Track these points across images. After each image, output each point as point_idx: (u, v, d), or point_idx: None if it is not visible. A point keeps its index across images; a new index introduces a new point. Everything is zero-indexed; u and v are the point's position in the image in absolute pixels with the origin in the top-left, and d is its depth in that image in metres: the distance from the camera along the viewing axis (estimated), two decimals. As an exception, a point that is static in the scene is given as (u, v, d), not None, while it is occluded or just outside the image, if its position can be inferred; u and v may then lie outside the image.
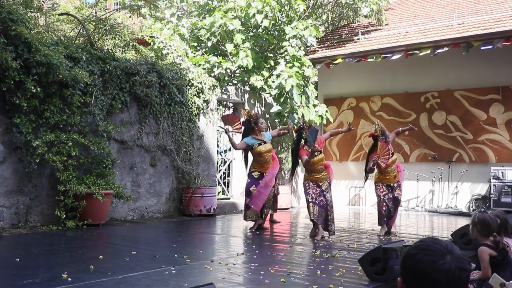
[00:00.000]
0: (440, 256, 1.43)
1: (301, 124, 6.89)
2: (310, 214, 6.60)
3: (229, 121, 7.64)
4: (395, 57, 10.72)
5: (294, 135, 7.23)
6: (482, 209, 4.22)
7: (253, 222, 7.48)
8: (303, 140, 6.70)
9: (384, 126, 7.30)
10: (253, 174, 7.35)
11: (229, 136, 7.38)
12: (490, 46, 9.65)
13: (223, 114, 7.69)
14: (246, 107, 11.04)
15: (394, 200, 7.17)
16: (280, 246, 6.14)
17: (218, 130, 10.40)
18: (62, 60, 6.89)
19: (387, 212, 7.15)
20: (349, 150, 12.58)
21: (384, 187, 7.19)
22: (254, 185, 7.24)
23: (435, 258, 1.43)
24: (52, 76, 6.88)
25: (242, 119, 7.60)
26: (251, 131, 7.38)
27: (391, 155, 7.09)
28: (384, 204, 7.14)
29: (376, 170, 7.20)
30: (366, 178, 7.43)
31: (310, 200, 6.62)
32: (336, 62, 11.49)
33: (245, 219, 7.51)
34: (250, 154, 7.55)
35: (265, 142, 7.33)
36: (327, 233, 6.69)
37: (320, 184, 6.69)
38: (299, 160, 6.91)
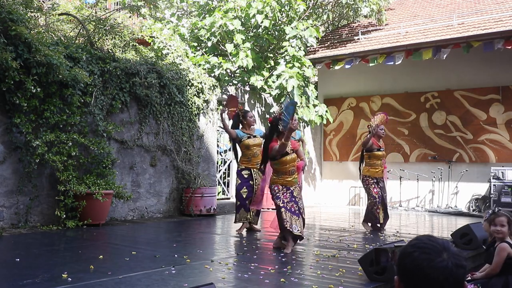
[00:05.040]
0: (437, 254, 1.43)
1: (277, 115, 5.70)
2: (283, 221, 5.61)
3: (229, 102, 7.59)
4: (397, 62, 10.70)
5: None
6: (498, 209, 4.18)
7: (241, 224, 7.26)
8: (276, 133, 5.70)
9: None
10: (242, 173, 7.19)
11: (222, 117, 7.34)
12: (492, 49, 9.65)
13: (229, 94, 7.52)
14: (246, 107, 11.04)
15: (384, 200, 7.44)
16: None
17: (218, 130, 10.39)
18: (62, 60, 6.89)
19: (379, 215, 7.36)
20: (349, 150, 12.58)
21: (375, 185, 7.38)
22: (244, 187, 7.10)
23: (432, 256, 1.42)
24: (52, 76, 6.87)
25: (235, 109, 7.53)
26: (240, 124, 7.36)
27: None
28: (379, 206, 7.35)
29: (364, 163, 7.45)
30: (361, 168, 7.69)
31: (281, 205, 5.67)
32: (337, 68, 11.48)
33: (236, 221, 7.24)
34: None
35: (254, 136, 7.25)
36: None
37: (291, 188, 5.80)
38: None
